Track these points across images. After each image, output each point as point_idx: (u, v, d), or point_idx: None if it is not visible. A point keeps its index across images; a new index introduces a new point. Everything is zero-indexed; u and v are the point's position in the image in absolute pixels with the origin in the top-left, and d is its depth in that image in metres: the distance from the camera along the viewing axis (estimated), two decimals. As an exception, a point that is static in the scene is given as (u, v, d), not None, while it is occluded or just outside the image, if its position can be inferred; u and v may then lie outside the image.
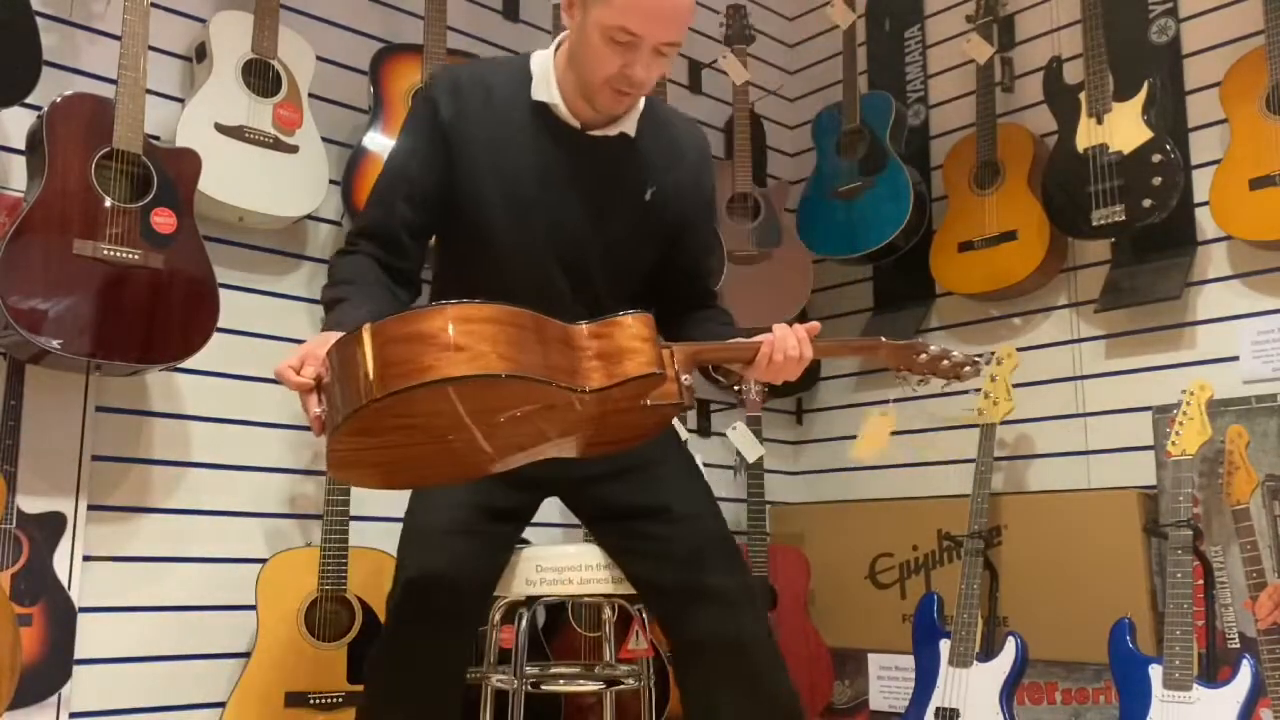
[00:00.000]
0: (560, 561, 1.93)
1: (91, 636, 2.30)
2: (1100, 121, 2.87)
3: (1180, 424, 2.51)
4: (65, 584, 2.24)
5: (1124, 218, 2.79)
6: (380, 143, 2.65)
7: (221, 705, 2.33)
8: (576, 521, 2.11)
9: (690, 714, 1.80)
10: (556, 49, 1.75)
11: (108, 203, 2.14)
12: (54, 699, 2.21)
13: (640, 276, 1.87)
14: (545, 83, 1.74)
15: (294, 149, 2.52)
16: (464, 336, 1.28)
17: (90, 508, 2.32)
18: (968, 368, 1.84)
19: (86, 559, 2.31)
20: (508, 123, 1.74)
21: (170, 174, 2.23)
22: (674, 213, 1.83)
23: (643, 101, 1.79)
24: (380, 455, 1.44)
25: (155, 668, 2.39)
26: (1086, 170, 2.86)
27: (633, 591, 2.02)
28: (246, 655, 2.39)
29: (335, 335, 1.43)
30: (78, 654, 2.24)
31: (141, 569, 2.40)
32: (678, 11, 1.62)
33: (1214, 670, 2.45)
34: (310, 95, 2.60)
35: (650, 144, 1.81)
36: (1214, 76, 2.83)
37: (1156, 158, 2.76)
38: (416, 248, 1.78)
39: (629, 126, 1.78)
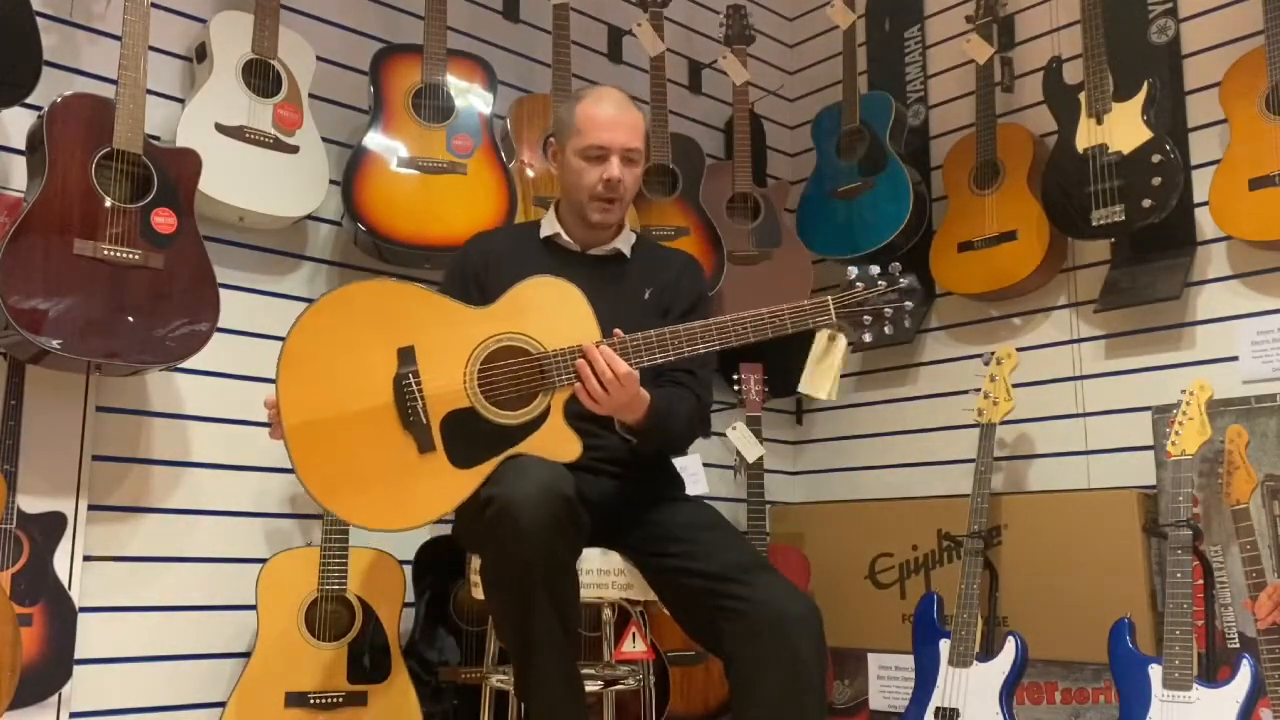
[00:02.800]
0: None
1: (91, 636, 2.30)
2: (1100, 121, 2.87)
3: (1180, 424, 2.51)
4: (65, 584, 2.24)
5: (1123, 218, 2.79)
6: (380, 143, 2.65)
7: (221, 705, 2.33)
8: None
9: (735, 682, 1.89)
10: (555, 207, 2.22)
11: (108, 203, 2.14)
12: (54, 699, 2.21)
13: (651, 371, 2.02)
14: (550, 223, 2.20)
15: (294, 149, 2.52)
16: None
17: (90, 508, 2.33)
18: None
19: (87, 559, 2.31)
20: (523, 253, 2.16)
21: (171, 174, 2.23)
22: (669, 304, 2.17)
23: (634, 236, 2.23)
24: None
25: (155, 668, 2.39)
26: (1086, 170, 2.87)
27: (632, 595, 2.03)
28: (246, 655, 2.39)
29: None
30: (78, 654, 2.24)
31: (141, 569, 2.40)
32: (632, 121, 2.10)
33: (1214, 670, 2.46)
34: (310, 95, 2.60)
35: (643, 259, 2.22)
36: (1214, 76, 2.83)
37: (1156, 158, 2.76)
38: None
39: (624, 247, 2.20)
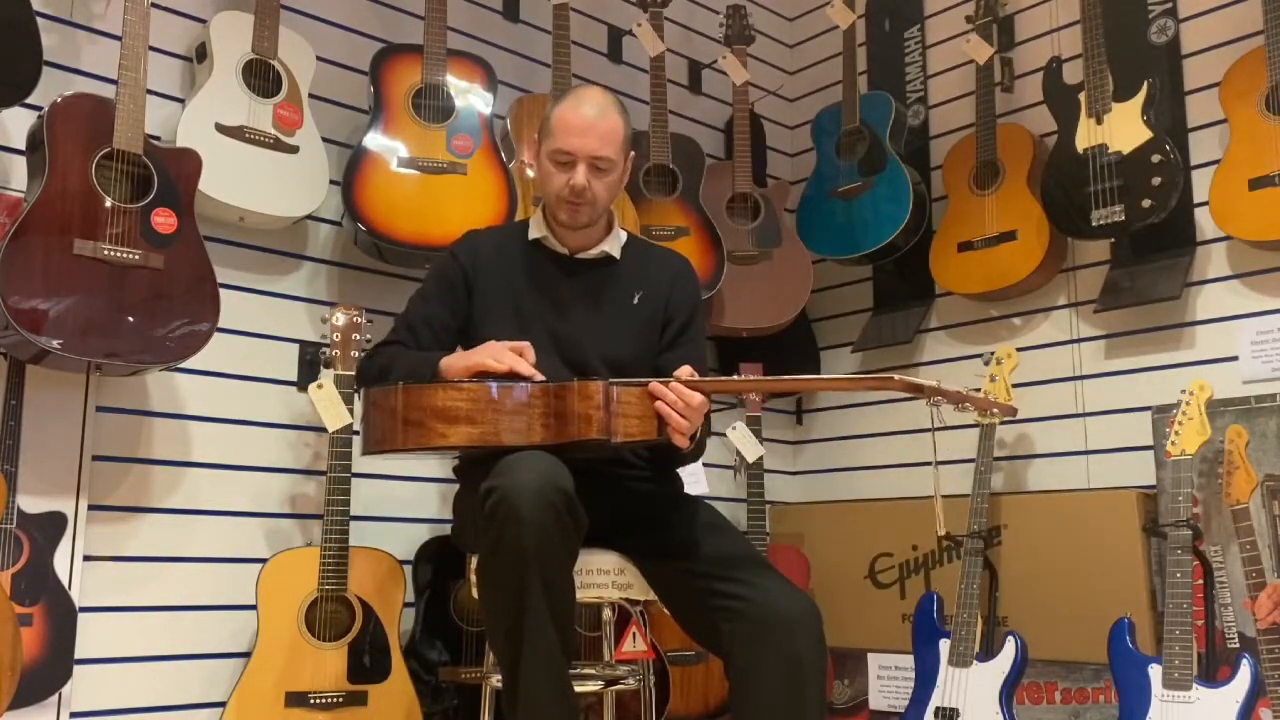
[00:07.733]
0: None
1: (91, 636, 2.30)
2: (1100, 122, 2.87)
3: (1180, 424, 2.51)
4: (66, 584, 2.24)
5: (1123, 218, 2.79)
6: (380, 143, 2.65)
7: (221, 705, 2.33)
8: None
9: (734, 681, 1.90)
10: (543, 208, 2.19)
11: (108, 203, 2.14)
12: (54, 699, 2.21)
13: (644, 374, 2.06)
14: (538, 225, 2.18)
15: (294, 149, 2.53)
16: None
17: (90, 508, 2.33)
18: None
19: (87, 559, 2.31)
20: (511, 256, 2.17)
21: (171, 174, 2.23)
22: (662, 309, 2.17)
23: (625, 235, 2.22)
24: None
25: (155, 668, 2.39)
26: (1086, 170, 2.87)
27: (632, 595, 2.03)
28: (246, 655, 2.39)
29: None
30: (78, 654, 2.24)
31: (141, 569, 2.40)
32: (596, 127, 2.04)
33: (1213, 670, 2.46)
34: (310, 95, 2.60)
35: (634, 262, 2.20)
36: (1213, 76, 2.83)
37: (1156, 158, 2.76)
38: None
39: (613, 249, 2.18)
